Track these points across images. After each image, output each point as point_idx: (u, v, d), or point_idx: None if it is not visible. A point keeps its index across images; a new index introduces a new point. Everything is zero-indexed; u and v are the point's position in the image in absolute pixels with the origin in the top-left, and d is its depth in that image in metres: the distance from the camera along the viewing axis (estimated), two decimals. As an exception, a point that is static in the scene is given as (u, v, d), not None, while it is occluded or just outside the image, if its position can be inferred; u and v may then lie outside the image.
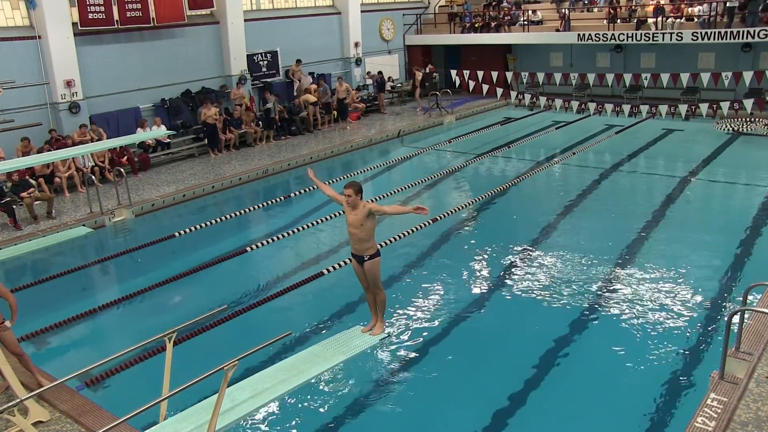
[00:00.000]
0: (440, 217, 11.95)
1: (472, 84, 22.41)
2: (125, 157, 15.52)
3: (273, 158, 16.58)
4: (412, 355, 7.45)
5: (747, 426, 5.47)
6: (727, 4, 19.01)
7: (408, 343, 7.67)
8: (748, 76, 18.39)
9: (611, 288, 8.82)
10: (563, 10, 22.67)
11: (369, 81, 23.03)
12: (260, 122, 18.57)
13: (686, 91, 20.20)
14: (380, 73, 22.66)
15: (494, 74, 21.98)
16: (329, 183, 14.46)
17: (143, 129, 15.83)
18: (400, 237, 10.94)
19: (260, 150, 17.72)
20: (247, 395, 5.92)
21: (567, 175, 15.13)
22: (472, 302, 8.68)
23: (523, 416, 6.30)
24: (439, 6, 26.08)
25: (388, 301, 7.51)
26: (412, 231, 11.23)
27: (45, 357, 7.82)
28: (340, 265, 9.83)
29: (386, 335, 7.25)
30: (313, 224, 11.97)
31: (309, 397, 6.70)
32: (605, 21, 21.52)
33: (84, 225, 12.02)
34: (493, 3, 25.19)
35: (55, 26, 15.08)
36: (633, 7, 21.51)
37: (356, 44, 23.02)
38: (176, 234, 11.63)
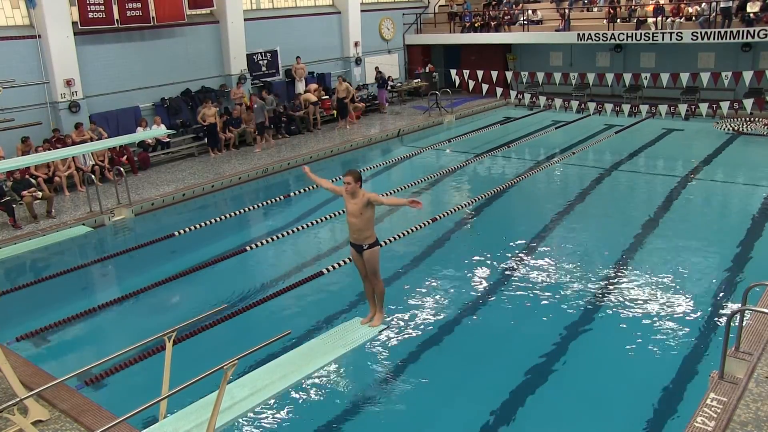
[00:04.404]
0: (440, 217, 11.95)
1: (471, 83, 22.41)
2: (125, 157, 15.52)
3: (272, 158, 16.58)
4: (412, 353, 7.45)
5: (747, 426, 5.47)
6: (721, 5, 19.00)
7: (407, 342, 7.67)
8: (747, 75, 18.41)
9: (611, 288, 8.82)
10: (563, 10, 22.67)
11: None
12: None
13: (686, 91, 20.19)
14: (377, 69, 22.66)
15: (494, 74, 21.99)
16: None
17: (143, 128, 15.83)
18: (399, 236, 10.94)
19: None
20: (246, 392, 5.90)
21: (567, 175, 15.13)
22: (472, 301, 8.68)
23: (523, 416, 6.30)
24: (439, 5, 26.08)
25: (388, 299, 7.50)
26: (412, 230, 11.23)
27: (44, 356, 7.82)
28: (339, 265, 9.82)
29: (386, 327, 7.22)
30: (312, 223, 11.96)
31: (308, 393, 6.70)
32: (605, 21, 21.52)
33: (84, 224, 12.02)
34: (493, 2, 25.18)
35: (55, 25, 15.08)
36: (633, 7, 21.51)
37: (356, 44, 23.01)
38: (176, 233, 11.63)
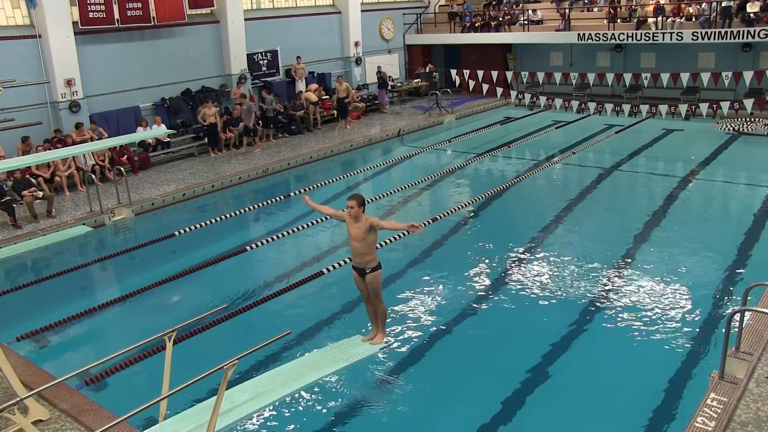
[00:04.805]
0: (440, 217, 11.95)
1: (472, 83, 22.42)
2: (125, 156, 15.52)
3: (272, 157, 16.58)
4: (411, 354, 7.45)
5: (747, 426, 5.47)
6: (723, 4, 19.01)
7: (407, 344, 7.66)
8: (748, 75, 18.41)
9: (611, 288, 8.82)
10: (563, 10, 22.67)
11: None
12: (260, 121, 18.56)
13: (686, 91, 20.19)
14: (379, 68, 22.67)
15: (494, 74, 21.99)
16: (330, 183, 14.50)
17: (143, 128, 15.83)
18: (399, 237, 10.93)
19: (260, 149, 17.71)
20: (246, 397, 5.91)
21: (567, 175, 15.13)
22: (472, 302, 8.68)
23: (523, 417, 6.30)
24: (439, 5, 26.08)
25: (389, 298, 7.49)
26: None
27: (45, 356, 7.82)
28: (339, 264, 9.82)
29: (386, 345, 7.24)
30: (312, 223, 11.96)
31: (307, 399, 6.70)
32: (605, 21, 21.52)
33: (84, 224, 12.02)
34: (493, 2, 25.18)
35: (56, 25, 15.08)
36: (633, 7, 21.50)
37: (356, 44, 23.02)
38: (176, 233, 11.63)
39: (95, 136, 15.12)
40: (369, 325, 7.29)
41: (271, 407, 6.35)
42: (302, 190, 14.13)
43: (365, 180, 15.34)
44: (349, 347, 6.97)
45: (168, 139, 16.87)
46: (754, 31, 18.04)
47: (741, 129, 18.06)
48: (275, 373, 6.43)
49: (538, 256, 10.08)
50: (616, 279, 9.09)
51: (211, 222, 12.26)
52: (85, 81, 15.86)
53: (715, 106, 18.71)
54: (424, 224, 11.49)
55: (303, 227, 11.80)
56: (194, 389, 5.43)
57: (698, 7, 19.90)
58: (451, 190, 14.48)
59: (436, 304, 8.66)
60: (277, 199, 13.77)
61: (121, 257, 10.97)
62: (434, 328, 8.00)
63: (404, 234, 11.00)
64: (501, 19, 23.76)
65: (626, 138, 18.12)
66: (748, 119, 18.75)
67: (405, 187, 14.14)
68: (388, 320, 7.44)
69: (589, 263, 9.63)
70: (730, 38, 18.58)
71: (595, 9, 22.81)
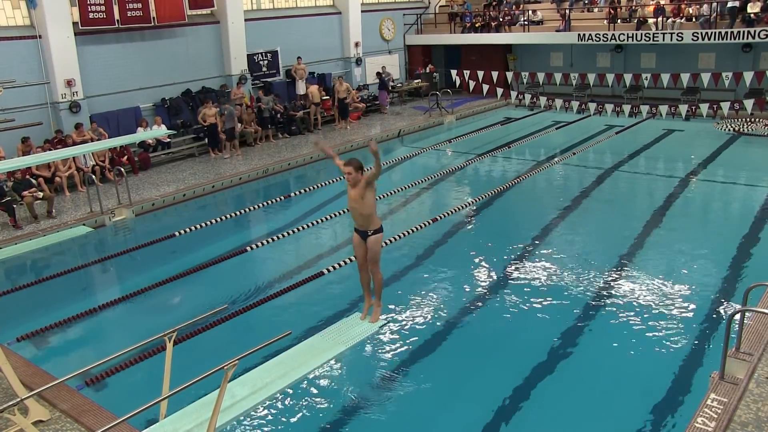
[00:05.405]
0: (440, 217, 11.96)
1: (472, 84, 22.43)
2: (125, 157, 15.53)
3: (273, 158, 16.59)
4: (411, 354, 7.45)
5: (747, 426, 5.47)
6: (728, 5, 19.02)
7: (407, 343, 7.67)
8: (748, 76, 18.41)
9: (611, 288, 8.82)
10: (563, 10, 22.67)
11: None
12: (258, 122, 18.58)
13: (687, 92, 20.19)
14: (383, 68, 22.65)
15: (494, 74, 22.00)
16: (331, 183, 14.48)
17: (143, 128, 15.84)
18: (400, 237, 10.94)
19: (260, 149, 17.73)
20: (246, 391, 5.88)
21: (567, 176, 15.13)
22: (472, 302, 8.69)
23: (523, 417, 6.30)
24: (440, 6, 26.08)
25: (388, 299, 7.48)
26: (412, 231, 11.23)
27: (45, 356, 7.83)
28: (340, 265, 9.82)
29: (386, 322, 7.16)
30: (313, 224, 11.96)
31: (307, 394, 6.70)
32: (605, 21, 21.51)
33: (84, 224, 12.01)
34: (494, 3, 25.19)
35: (56, 26, 15.09)
36: (633, 7, 21.51)
37: (356, 44, 23.02)
38: (176, 233, 11.63)
39: (95, 136, 15.12)
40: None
41: (270, 403, 6.34)
42: (302, 191, 14.15)
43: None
44: (348, 328, 6.88)
45: (168, 140, 16.87)
46: (755, 31, 18.04)
47: (741, 129, 18.06)
48: (275, 363, 6.35)
49: (538, 256, 10.07)
50: (616, 279, 9.09)
51: (211, 222, 12.26)
52: (86, 81, 15.86)
53: (715, 106, 18.71)
54: (425, 224, 11.51)
55: (303, 227, 11.80)
56: (194, 389, 5.42)
57: (698, 7, 19.91)
58: (451, 191, 14.49)
59: (437, 303, 8.66)
60: (277, 199, 13.77)
61: (122, 258, 10.97)
62: (435, 328, 8.00)
63: (406, 233, 11.02)
64: (501, 19, 23.76)
65: (626, 138, 18.13)
66: (748, 119, 18.75)
67: (405, 188, 14.13)
68: (389, 319, 7.45)
69: (589, 263, 9.63)
70: (731, 38, 18.58)
71: (596, 9, 22.80)
